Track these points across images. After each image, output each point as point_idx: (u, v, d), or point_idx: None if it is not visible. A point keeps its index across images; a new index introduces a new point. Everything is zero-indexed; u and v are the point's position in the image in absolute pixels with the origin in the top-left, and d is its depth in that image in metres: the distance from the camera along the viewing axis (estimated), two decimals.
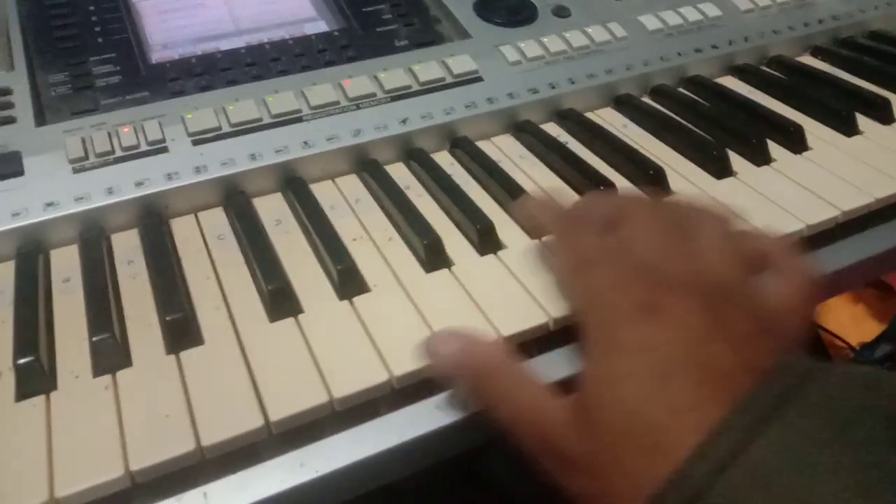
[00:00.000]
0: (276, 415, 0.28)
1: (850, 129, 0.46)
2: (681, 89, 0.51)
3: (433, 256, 0.36)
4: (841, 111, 0.46)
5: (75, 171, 0.39)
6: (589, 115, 0.48)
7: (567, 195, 0.41)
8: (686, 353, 0.23)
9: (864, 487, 0.18)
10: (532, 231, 0.36)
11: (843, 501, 0.18)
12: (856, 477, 0.19)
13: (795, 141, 0.44)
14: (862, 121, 0.47)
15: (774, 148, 0.44)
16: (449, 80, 0.47)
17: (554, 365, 0.33)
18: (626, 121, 0.48)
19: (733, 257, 0.27)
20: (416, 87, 0.46)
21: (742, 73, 0.53)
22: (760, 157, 0.43)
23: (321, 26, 0.52)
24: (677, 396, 0.22)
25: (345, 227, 0.38)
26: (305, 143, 0.42)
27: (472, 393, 0.29)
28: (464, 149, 0.44)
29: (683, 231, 0.28)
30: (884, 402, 0.20)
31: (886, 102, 0.47)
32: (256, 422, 0.28)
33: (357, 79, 0.45)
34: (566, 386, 0.27)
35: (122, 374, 0.30)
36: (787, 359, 0.22)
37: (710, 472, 0.20)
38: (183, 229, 0.39)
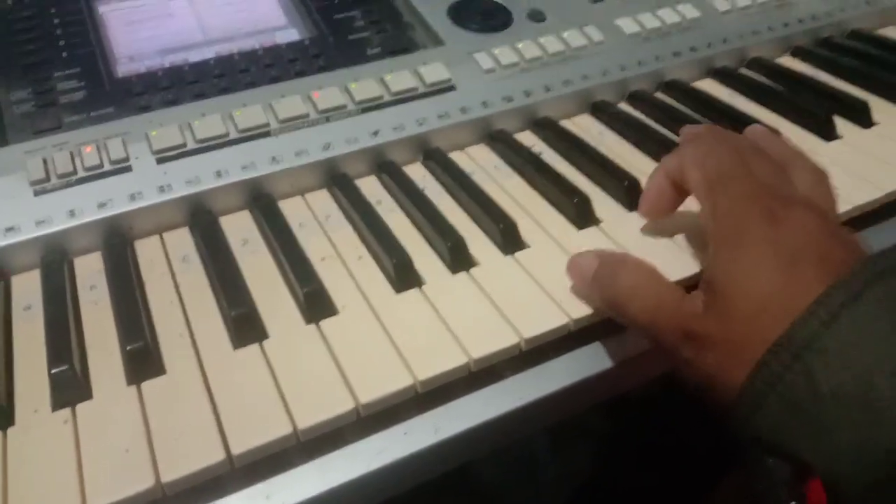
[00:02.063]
0: (238, 448, 0.28)
1: (828, 134, 0.45)
2: (658, 94, 0.50)
3: (403, 276, 0.35)
4: (820, 116, 0.46)
5: (36, 193, 0.38)
6: (565, 122, 0.48)
7: (542, 206, 0.40)
8: (806, 245, 0.27)
9: None
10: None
11: None
12: None
13: None
14: (841, 124, 0.46)
15: None
16: (421, 89, 0.46)
17: (527, 386, 0.32)
18: (602, 128, 0.47)
19: (830, 202, 0.33)
20: (387, 98, 0.45)
21: (721, 75, 0.52)
22: None
23: (292, 34, 0.51)
24: (802, 278, 0.26)
25: (313, 246, 0.37)
26: (273, 158, 0.41)
27: (609, 290, 0.32)
28: (437, 161, 0.43)
29: (792, 164, 0.33)
30: None
31: (865, 106, 0.47)
32: (218, 455, 0.27)
33: (327, 90, 0.44)
34: None
35: (81, 408, 0.30)
36: (882, 250, 0.27)
37: (825, 318, 0.24)
38: (147, 251, 0.38)
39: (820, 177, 0.34)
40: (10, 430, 0.29)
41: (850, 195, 0.40)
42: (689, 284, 0.33)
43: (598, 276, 0.32)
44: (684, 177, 0.34)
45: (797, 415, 0.25)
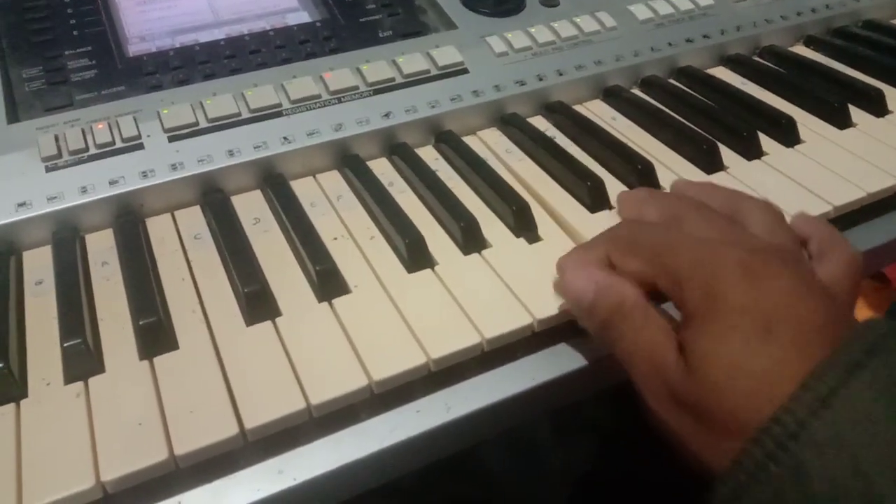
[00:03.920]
0: (251, 422, 0.28)
1: (843, 122, 0.45)
2: (671, 81, 0.50)
3: (415, 256, 0.35)
4: (834, 103, 0.45)
5: (48, 169, 0.38)
6: (577, 107, 0.47)
7: (555, 189, 0.40)
8: (786, 308, 0.25)
9: None
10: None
11: None
12: None
13: (788, 134, 0.44)
14: (855, 113, 0.46)
15: (766, 141, 0.43)
16: (434, 72, 0.45)
17: (538, 367, 0.32)
18: (615, 113, 0.47)
19: (792, 239, 0.30)
20: (399, 80, 0.45)
21: (734, 63, 0.52)
22: (752, 151, 0.42)
23: (303, 17, 0.51)
24: (778, 348, 0.24)
25: (325, 226, 0.37)
26: (285, 138, 0.41)
27: (600, 327, 0.29)
28: (449, 143, 0.43)
29: (737, 211, 0.31)
30: None
31: (880, 94, 0.46)
32: (231, 430, 0.27)
33: (339, 71, 0.44)
34: None
35: (94, 381, 0.30)
36: (870, 319, 0.25)
37: (813, 405, 0.22)
38: (159, 229, 0.38)
39: (775, 215, 0.31)
40: (23, 402, 0.29)
41: (864, 183, 0.40)
42: None
43: (596, 308, 0.29)
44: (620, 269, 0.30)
45: None
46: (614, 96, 0.48)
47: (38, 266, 0.36)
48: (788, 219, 0.32)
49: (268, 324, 0.32)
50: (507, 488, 0.58)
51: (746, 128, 0.43)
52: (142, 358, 0.30)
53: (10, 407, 0.29)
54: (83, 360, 0.30)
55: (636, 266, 0.29)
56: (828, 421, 0.22)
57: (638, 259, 0.29)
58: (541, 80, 0.46)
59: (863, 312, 1.20)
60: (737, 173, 0.41)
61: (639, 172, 0.40)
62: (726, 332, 0.25)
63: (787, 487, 0.22)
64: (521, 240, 0.36)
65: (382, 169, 0.42)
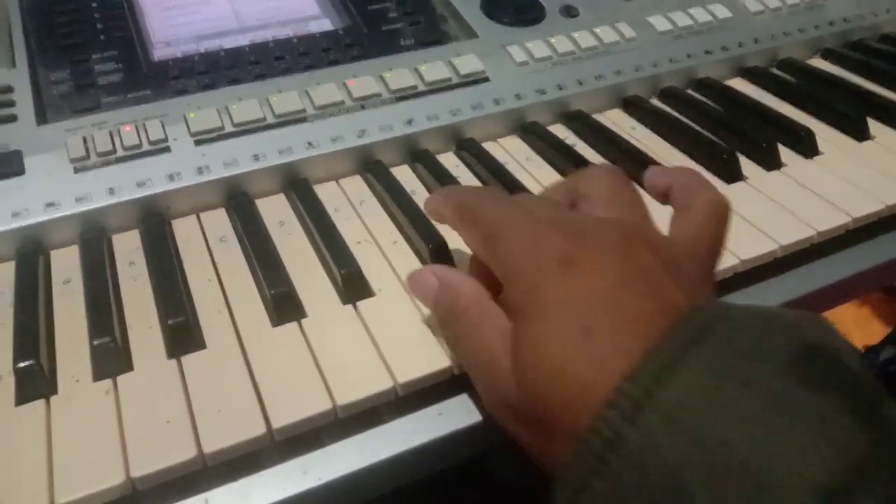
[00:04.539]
0: (278, 422, 0.28)
1: (861, 134, 0.45)
2: (690, 91, 0.51)
3: (438, 261, 0.35)
4: (852, 116, 0.46)
5: (76, 170, 0.39)
6: (597, 116, 0.48)
7: None
8: (605, 303, 0.23)
9: (770, 421, 0.19)
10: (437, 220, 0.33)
11: (752, 435, 0.19)
12: (763, 412, 0.19)
13: (807, 146, 0.44)
14: (873, 125, 0.46)
15: (785, 152, 0.44)
16: (455, 80, 0.46)
17: None
18: (634, 123, 0.47)
19: (631, 202, 0.28)
20: (421, 88, 0.45)
21: (752, 75, 0.52)
22: (771, 162, 0.43)
23: (326, 25, 0.52)
24: (598, 349, 0.22)
25: (349, 230, 0.38)
26: (309, 143, 0.41)
27: (441, 326, 0.29)
28: (470, 150, 0.44)
29: (576, 192, 0.29)
30: (783, 338, 0.21)
31: None
32: (258, 429, 0.28)
33: (362, 78, 0.45)
34: None
35: (122, 379, 0.30)
36: (697, 304, 0.23)
37: (625, 417, 0.20)
38: (185, 230, 0.38)
39: (613, 181, 0.29)
40: (53, 399, 0.29)
41: (882, 195, 0.40)
42: None
43: (439, 307, 0.29)
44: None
45: None
46: (633, 106, 0.48)
47: (66, 266, 0.36)
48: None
49: (294, 325, 0.32)
50: (524, 491, 0.58)
51: (766, 139, 0.43)
52: (170, 357, 0.31)
53: (41, 403, 0.29)
54: (112, 358, 0.30)
55: (473, 245, 0.29)
56: (639, 433, 0.20)
57: (475, 235, 0.28)
58: (561, 89, 0.47)
59: (873, 325, 1.19)
60: (756, 183, 0.41)
61: None
62: (547, 334, 0.24)
63: (608, 501, 0.20)
64: None
65: (404, 176, 0.42)
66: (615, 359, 0.22)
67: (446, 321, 0.29)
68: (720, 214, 0.29)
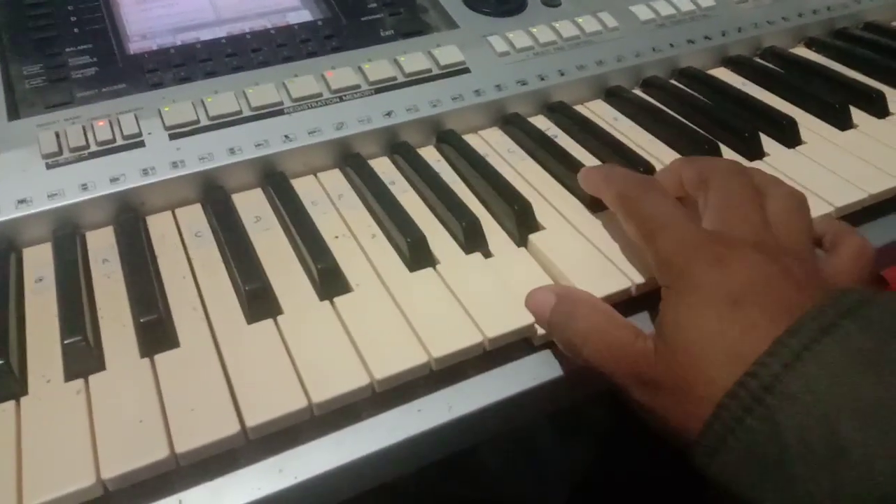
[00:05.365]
0: (252, 420, 0.27)
1: (844, 123, 0.45)
2: (673, 81, 0.50)
3: (417, 255, 0.35)
4: (835, 104, 0.45)
5: (49, 166, 0.38)
6: (579, 107, 0.47)
7: (557, 188, 0.40)
8: (756, 287, 0.26)
9: None
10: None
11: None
12: None
13: (789, 135, 0.44)
14: (856, 114, 0.46)
15: (767, 142, 0.43)
16: (435, 71, 0.45)
17: (540, 367, 0.32)
18: (616, 114, 0.47)
19: (800, 229, 0.30)
20: (401, 79, 0.45)
21: (735, 64, 0.52)
22: (753, 152, 0.42)
23: (305, 15, 0.51)
24: (750, 319, 0.25)
25: (327, 224, 0.37)
26: (286, 136, 0.41)
27: (564, 333, 0.30)
28: (450, 143, 0.43)
29: (758, 201, 0.31)
30: None
31: (881, 95, 0.47)
32: (232, 428, 0.27)
33: (340, 70, 0.44)
34: None
35: (94, 379, 0.29)
36: (847, 286, 0.26)
37: (785, 363, 0.23)
38: (159, 226, 0.38)
39: (795, 206, 0.31)
40: (23, 399, 0.29)
41: (865, 184, 0.40)
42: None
43: (554, 317, 0.31)
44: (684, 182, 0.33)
45: (759, 462, 0.23)
46: (616, 96, 0.48)
47: (39, 263, 0.36)
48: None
49: (269, 322, 0.31)
50: (507, 488, 0.58)
51: (748, 128, 0.43)
52: (142, 355, 0.30)
53: (10, 404, 0.29)
54: (83, 358, 0.30)
55: (631, 231, 0.32)
56: (800, 374, 0.23)
57: (635, 223, 0.31)
58: (542, 79, 0.46)
59: None
60: None
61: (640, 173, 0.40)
62: (699, 304, 0.26)
63: (761, 438, 0.23)
64: (522, 248, 0.36)
65: (384, 168, 0.42)
66: (764, 329, 0.24)
67: (565, 327, 0.30)
68: (864, 259, 0.32)
